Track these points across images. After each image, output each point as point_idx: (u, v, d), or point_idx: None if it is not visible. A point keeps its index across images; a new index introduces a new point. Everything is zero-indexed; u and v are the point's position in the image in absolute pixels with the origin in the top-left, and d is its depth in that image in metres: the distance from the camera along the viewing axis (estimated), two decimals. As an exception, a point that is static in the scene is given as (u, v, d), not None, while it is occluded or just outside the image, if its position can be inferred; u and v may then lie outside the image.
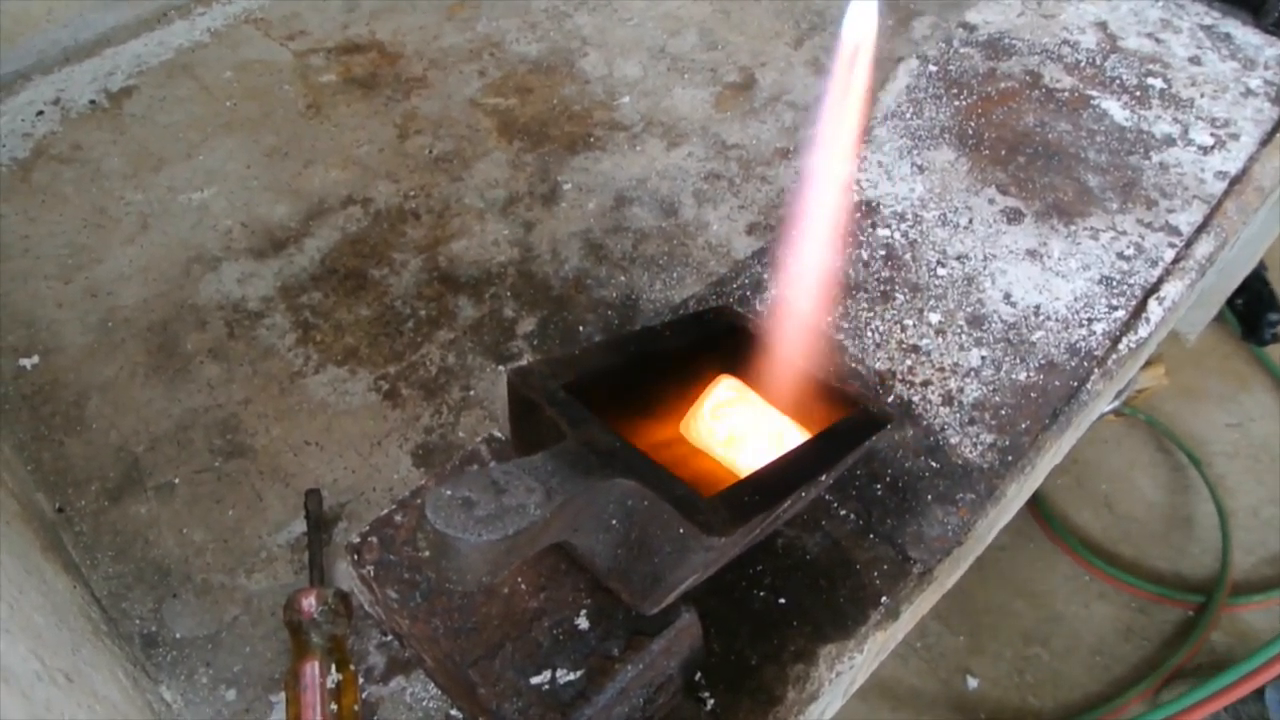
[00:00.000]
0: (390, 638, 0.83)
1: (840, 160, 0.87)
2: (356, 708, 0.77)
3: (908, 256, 1.06)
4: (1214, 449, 2.67)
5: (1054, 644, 2.36)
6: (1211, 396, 2.78)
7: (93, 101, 1.28)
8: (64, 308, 1.08)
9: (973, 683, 2.30)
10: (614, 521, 0.67)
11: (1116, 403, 2.26)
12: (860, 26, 0.80)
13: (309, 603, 0.79)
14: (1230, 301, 2.73)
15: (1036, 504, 2.51)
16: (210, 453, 0.96)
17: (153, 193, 1.19)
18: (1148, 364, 2.65)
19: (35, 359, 1.03)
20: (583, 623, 0.73)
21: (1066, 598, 2.43)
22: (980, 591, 2.41)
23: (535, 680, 0.70)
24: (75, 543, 0.90)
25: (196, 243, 1.14)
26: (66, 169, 1.20)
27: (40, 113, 1.27)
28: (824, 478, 0.79)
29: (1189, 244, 1.09)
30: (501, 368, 1.03)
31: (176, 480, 0.94)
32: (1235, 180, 1.15)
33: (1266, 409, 2.76)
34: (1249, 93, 1.23)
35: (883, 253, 1.06)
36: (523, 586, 0.75)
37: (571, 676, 0.70)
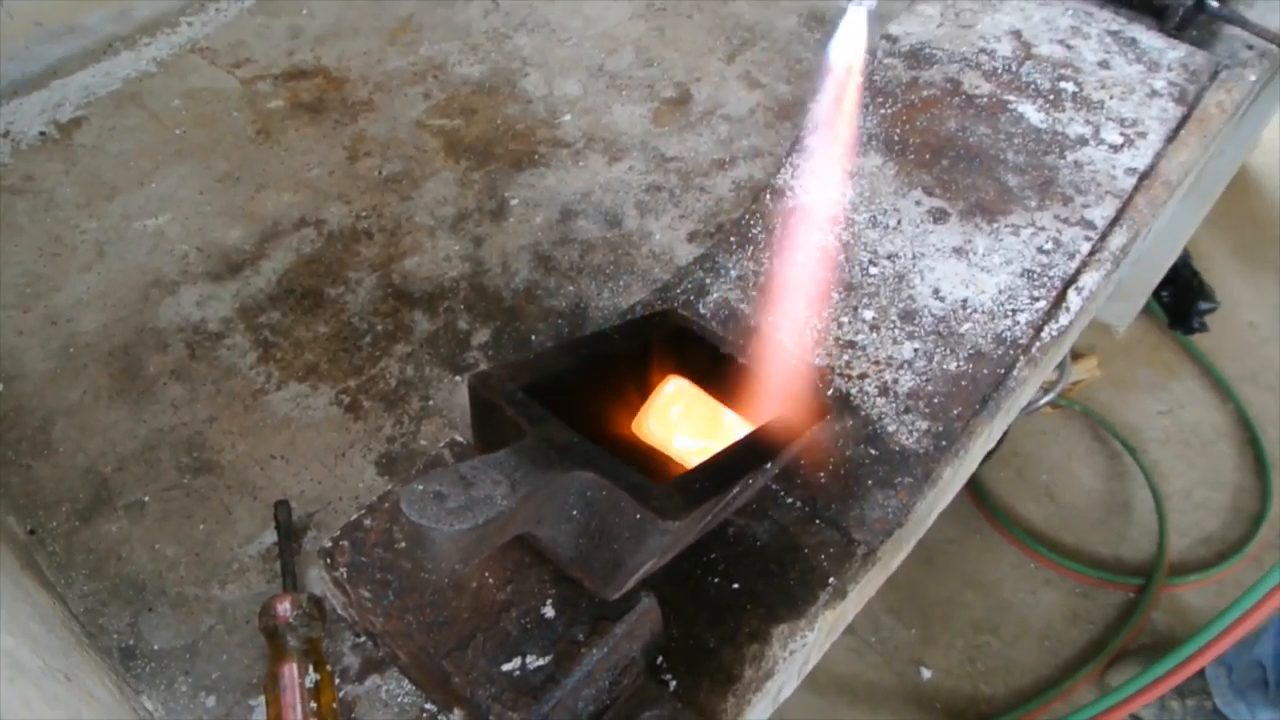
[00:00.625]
0: (363, 638, 0.86)
1: (832, 186, 0.92)
2: (335, 705, 0.80)
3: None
4: (1147, 436, 2.77)
5: (1003, 631, 2.43)
6: (1142, 386, 2.88)
7: (43, 133, 1.30)
8: (24, 335, 1.10)
9: (927, 674, 2.35)
10: (574, 512, 0.71)
11: (1052, 395, 2.34)
12: (850, 50, 0.85)
13: (284, 608, 0.82)
14: (1156, 293, 2.84)
15: (981, 496, 2.58)
16: (178, 470, 0.99)
17: (107, 220, 1.21)
18: (1080, 357, 2.74)
19: (-1, 386, 1.05)
20: (549, 611, 0.77)
21: (1014, 586, 2.50)
22: (930, 584, 2.47)
23: (506, 667, 0.74)
24: (49, 563, 0.92)
25: (154, 268, 1.16)
26: (20, 200, 1.22)
27: (-10, 146, 1.29)
28: (769, 466, 0.84)
29: (1103, 237, 1.16)
30: (459, 378, 1.07)
31: (146, 498, 0.97)
32: (1144, 176, 1.22)
33: (1195, 395, 2.87)
34: (1154, 93, 1.31)
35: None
36: (490, 580, 0.79)
37: (541, 662, 0.74)
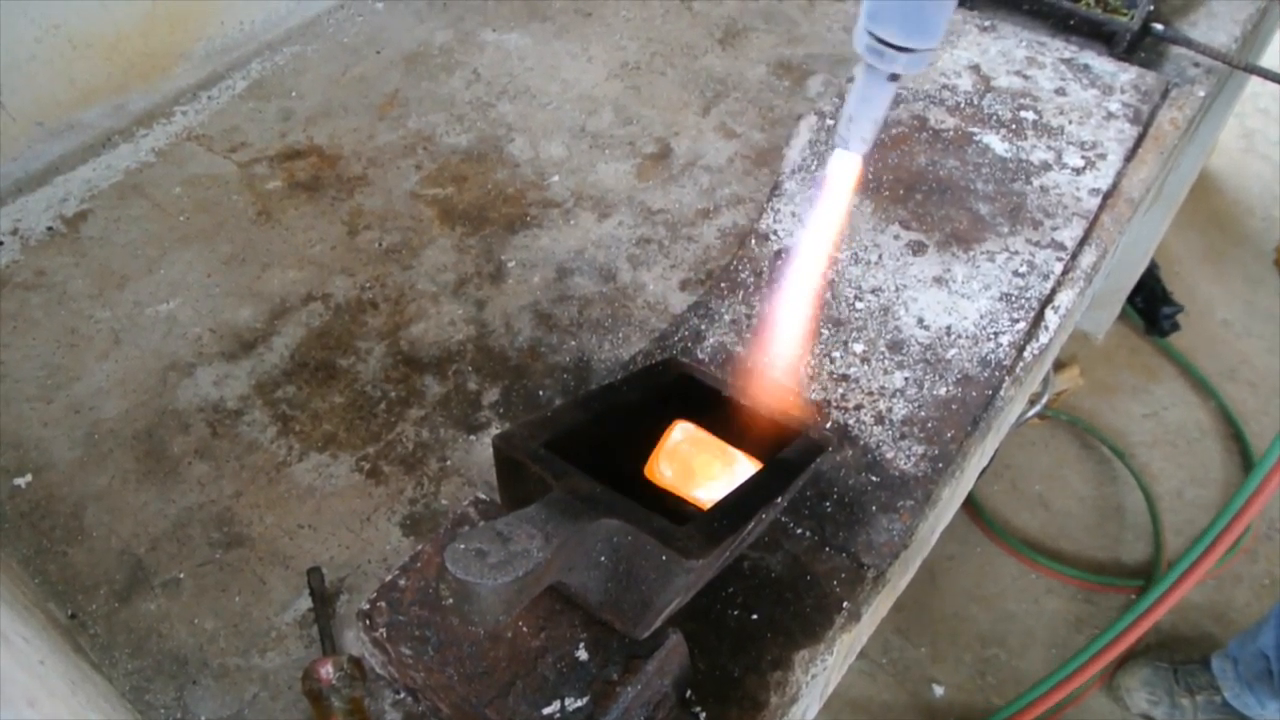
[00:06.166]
0: (403, 694, 0.90)
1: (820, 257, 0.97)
2: (382, 760, 0.84)
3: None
4: (1134, 439, 2.82)
5: (1010, 643, 2.46)
6: (1125, 390, 2.94)
7: (50, 228, 1.35)
8: (49, 426, 1.14)
9: (939, 690, 2.39)
10: (602, 558, 0.76)
11: (1039, 407, 2.39)
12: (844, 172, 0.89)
13: (326, 670, 0.86)
14: (1131, 299, 2.91)
15: (977, 511, 2.62)
16: (210, 546, 1.03)
17: (120, 309, 1.25)
18: (1063, 366, 2.81)
19: (28, 477, 1.09)
20: (582, 654, 0.81)
21: (1017, 597, 2.54)
22: (935, 602, 2.51)
23: (547, 711, 0.78)
24: (92, 645, 0.96)
25: (169, 352, 1.20)
26: (33, 295, 1.27)
27: (0, 244, 1.33)
28: (779, 500, 0.88)
29: (1074, 256, 1.22)
30: (472, 437, 1.11)
31: (181, 575, 1.01)
32: (1107, 195, 1.28)
33: (1177, 396, 2.92)
34: (1110, 116, 1.38)
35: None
36: (524, 629, 0.83)
37: (579, 703, 0.78)
